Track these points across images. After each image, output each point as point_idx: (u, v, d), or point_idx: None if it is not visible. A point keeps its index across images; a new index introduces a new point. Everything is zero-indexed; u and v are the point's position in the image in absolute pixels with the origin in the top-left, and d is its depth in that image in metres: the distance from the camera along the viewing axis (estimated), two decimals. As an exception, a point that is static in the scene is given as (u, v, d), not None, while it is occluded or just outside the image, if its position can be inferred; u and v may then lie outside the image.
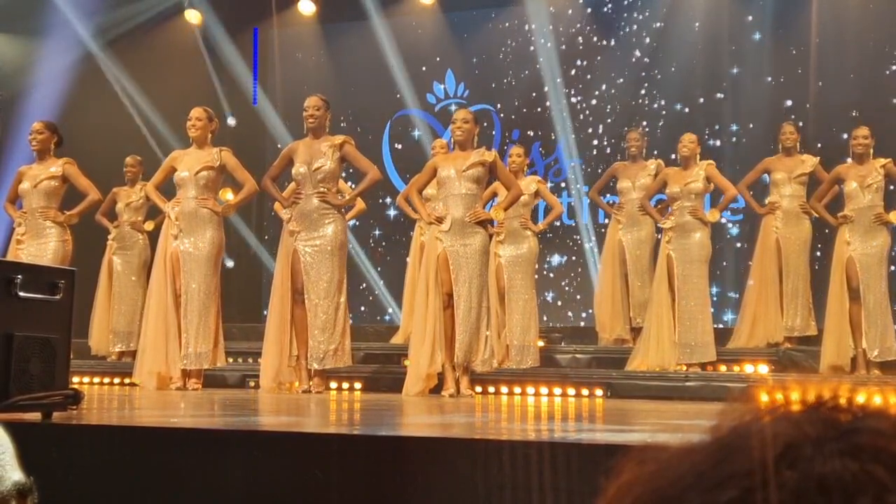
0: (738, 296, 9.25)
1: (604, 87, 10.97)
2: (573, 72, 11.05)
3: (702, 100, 10.50)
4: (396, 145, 11.68)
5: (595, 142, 10.94)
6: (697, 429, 0.55)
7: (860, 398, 0.53)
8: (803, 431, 0.51)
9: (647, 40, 10.84)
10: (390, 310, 11.21)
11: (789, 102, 10.07)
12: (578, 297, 10.84)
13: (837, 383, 0.55)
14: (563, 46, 11.07)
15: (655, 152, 9.28)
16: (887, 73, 9.87)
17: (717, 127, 10.34)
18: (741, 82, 10.39)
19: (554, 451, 2.69)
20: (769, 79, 10.34)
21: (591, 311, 9.39)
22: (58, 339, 3.47)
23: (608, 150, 10.70)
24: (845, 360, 7.20)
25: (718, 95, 10.45)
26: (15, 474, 1.55)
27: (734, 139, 10.33)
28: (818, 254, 8.61)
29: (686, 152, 7.79)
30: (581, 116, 11.00)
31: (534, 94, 11.18)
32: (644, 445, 0.56)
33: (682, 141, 7.86)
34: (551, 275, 10.87)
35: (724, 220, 9.56)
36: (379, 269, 11.47)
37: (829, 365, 7.20)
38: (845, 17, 10.12)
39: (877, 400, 0.53)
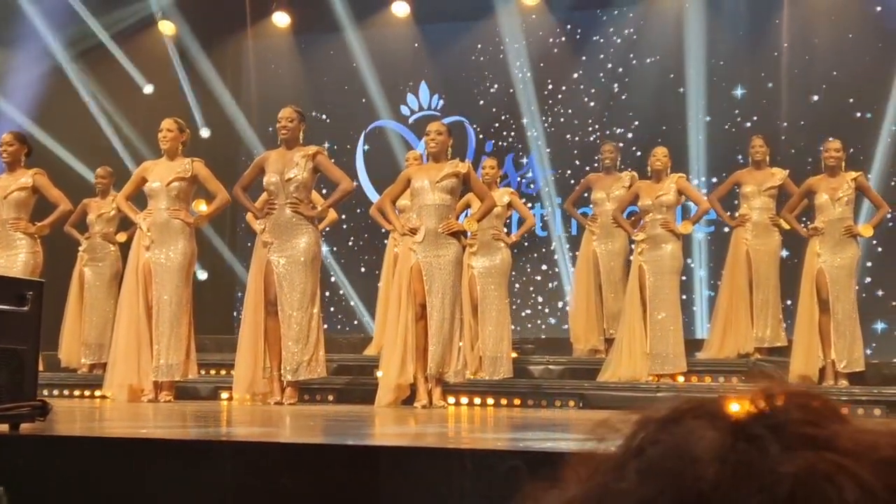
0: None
1: (577, 98, 11.04)
2: (546, 84, 11.12)
3: (673, 112, 10.57)
4: (370, 156, 11.69)
5: (568, 153, 11.00)
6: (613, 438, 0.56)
7: (759, 400, 0.55)
8: (743, 434, 0.52)
9: (620, 52, 10.93)
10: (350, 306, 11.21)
11: (756, 117, 10.19)
12: (552, 308, 10.88)
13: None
14: (537, 59, 11.14)
15: (629, 164, 9.35)
16: (855, 87, 9.99)
17: (687, 140, 10.42)
18: (713, 96, 10.48)
19: (525, 461, 2.70)
20: (740, 93, 10.45)
21: (564, 321, 9.43)
22: (25, 351, 3.45)
23: (581, 162, 10.75)
24: (814, 370, 7.27)
25: (690, 107, 10.53)
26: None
27: (706, 153, 10.41)
28: (788, 265, 8.69)
29: (659, 165, 7.84)
30: (554, 128, 11.06)
31: (507, 107, 11.23)
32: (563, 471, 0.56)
33: (655, 154, 7.91)
34: (517, 285, 10.89)
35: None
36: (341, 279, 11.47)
37: (798, 375, 7.27)
38: (815, 29, 10.26)
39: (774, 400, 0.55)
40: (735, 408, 0.55)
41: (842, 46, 10.08)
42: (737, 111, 10.42)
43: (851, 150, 8.02)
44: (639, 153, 9.79)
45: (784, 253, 8.29)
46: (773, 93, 10.28)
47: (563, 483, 0.55)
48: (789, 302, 8.13)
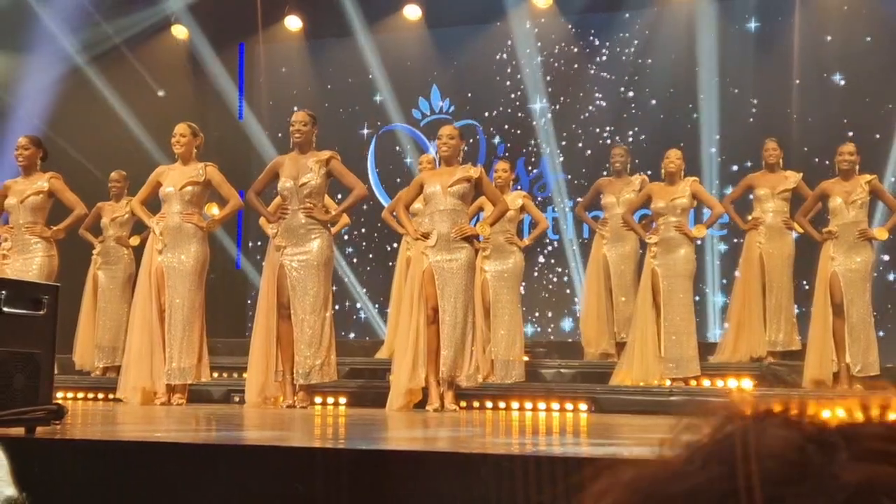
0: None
1: (589, 101, 11.03)
2: (558, 87, 11.12)
3: (685, 116, 10.56)
4: (381, 160, 11.70)
5: (580, 157, 11.00)
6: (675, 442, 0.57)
7: (821, 409, 0.56)
8: (807, 443, 0.53)
9: (632, 54, 10.92)
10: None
11: (773, 119, 10.15)
12: (564, 311, 10.88)
13: (794, 398, 0.57)
14: (548, 62, 11.15)
15: (638, 163, 9.33)
16: (872, 89, 9.96)
17: (699, 143, 10.40)
18: (725, 98, 10.46)
19: (537, 465, 2.71)
20: (753, 99, 10.43)
21: (575, 323, 9.42)
22: (41, 355, 3.47)
23: (593, 165, 10.74)
24: (828, 374, 7.25)
25: (703, 111, 10.51)
26: (7, 489, 1.56)
27: (718, 156, 10.40)
28: (802, 269, 8.66)
29: (672, 168, 7.82)
30: (566, 131, 11.06)
31: (518, 110, 11.23)
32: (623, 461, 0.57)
33: (669, 156, 7.89)
34: (535, 286, 10.89)
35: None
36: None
37: (811, 379, 7.25)
38: (827, 27, 10.24)
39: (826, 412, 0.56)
40: (826, 414, 0.55)
41: (855, 44, 10.05)
42: (750, 112, 10.39)
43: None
44: (650, 156, 9.77)
45: (794, 234, 8.19)
46: (786, 93, 10.24)
47: (646, 463, 0.57)
48: (804, 282, 8.05)
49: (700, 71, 10.48)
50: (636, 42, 10.92)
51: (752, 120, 10.34)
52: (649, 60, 10.84)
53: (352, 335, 11.10)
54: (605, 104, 10.98)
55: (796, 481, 0.51)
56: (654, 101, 10.72)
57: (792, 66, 10.23)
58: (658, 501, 0.53)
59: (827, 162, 7.58)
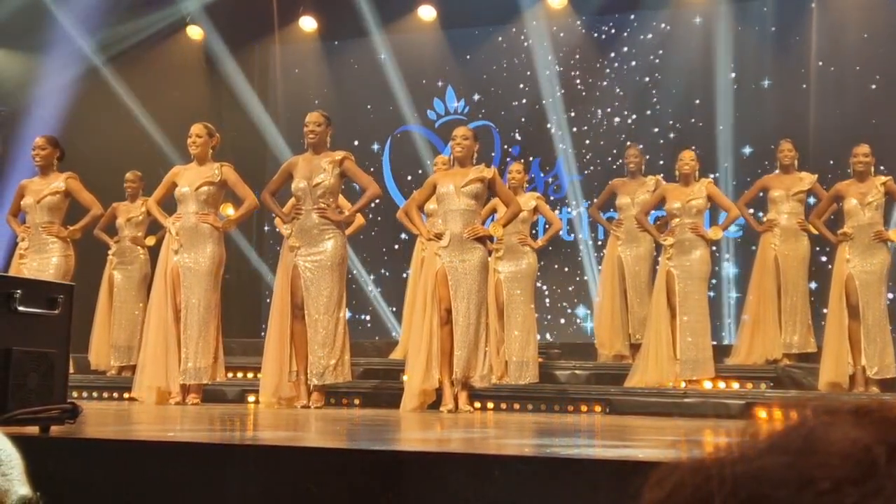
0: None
1: (603, 102, 11.01)
2: (573, 87, 11.10)
3: (701, 117, 10.53)
4: (396, 161, 11.71)
5: (594, 158, 10.97)
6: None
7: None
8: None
9: (647, 55, 10.90)
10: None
11: (789, 122, 10.11)
12: (578, 312, 10.86)
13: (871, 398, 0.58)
14: (563, 63, 11.13)
15: (660, 170, 9.31)
16: (892, 91, 9.90)
17: (715, 144, 10.37)
18: (740, 101, 10.42)
19: (551, 467, 2.70)
20: (769, 100, 10.39)
21: (591, 325, 9.41)
22: (56, 354, 3.48)
23: (608, 166, 10.72)
24: (843, 377, 7.21)
25: (719, 111, 10.48)
26: (21, 489, 1.57)
27: (732, 157, 10.37)
28: (821, 271, 8.62)
29: (687, 169, 7.81)
30: (580, 132, 11.04)
31: (533, 111, 11.22)
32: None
33: (683, 158, 7.87)
34: (546, 289, 10.87)
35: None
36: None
37: (827, 382, 7.21)
38: (845, 35, 10.18)
39: None
40: None
41: (874, 46, 9.99)
42: (765, 113, 10.35)
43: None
44: (665, 157, 9.74)
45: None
46: (802, 94, 10.19)
47: (714, 447, 0.58)
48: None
49: (716, 71, 10.44)
50: (651, 43, 10.89)
51: (768, 120, 10.29)
52: (665, 61, 10.81)
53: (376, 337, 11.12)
54: (620, 104, 10.96)
55: (858, 480, 0.51)
56: (669, 102, 10.69)
57: (809, 66, 10.18)
58: (719, 482, 0.54)
59: (849, 169, 7.54)
